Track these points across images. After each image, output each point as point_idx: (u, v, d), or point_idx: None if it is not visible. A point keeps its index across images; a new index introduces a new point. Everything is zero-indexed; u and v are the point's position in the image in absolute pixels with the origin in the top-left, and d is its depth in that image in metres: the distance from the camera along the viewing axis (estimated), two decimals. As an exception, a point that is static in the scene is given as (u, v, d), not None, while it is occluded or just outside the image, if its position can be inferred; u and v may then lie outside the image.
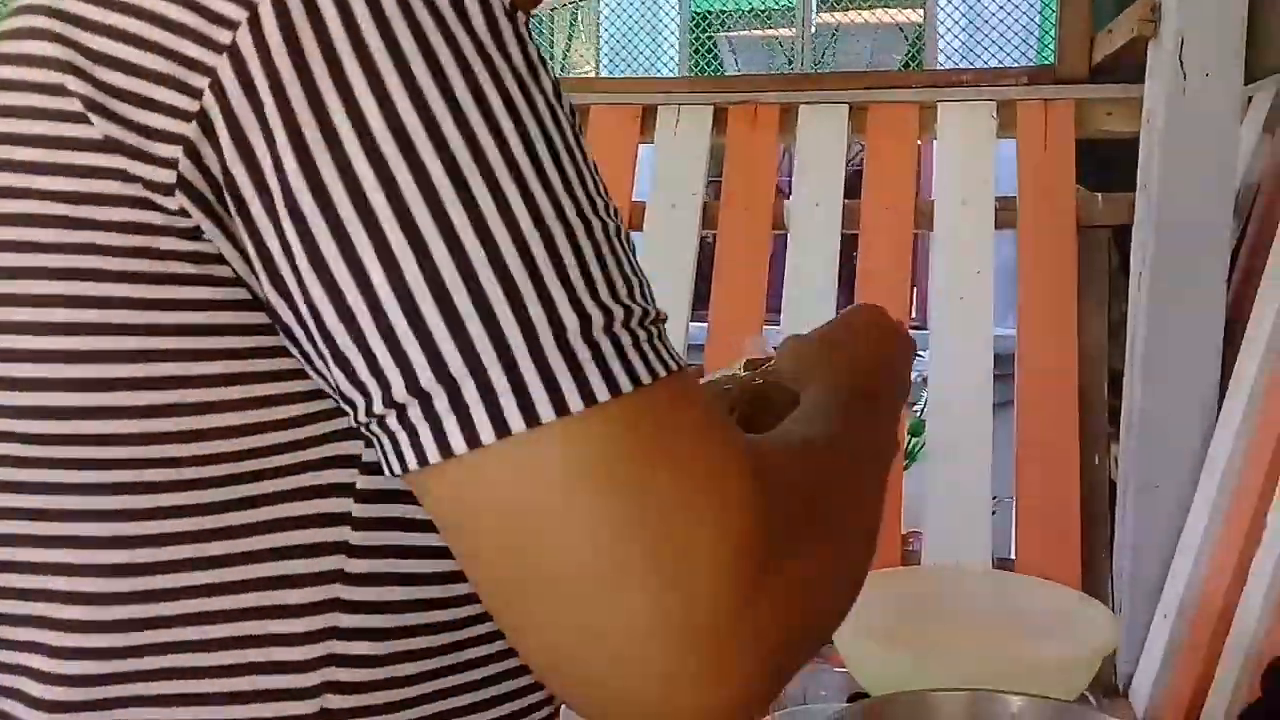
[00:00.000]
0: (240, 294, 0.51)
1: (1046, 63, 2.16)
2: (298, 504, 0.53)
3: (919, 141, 2.15)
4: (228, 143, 0.49)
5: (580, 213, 0.50)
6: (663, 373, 0.50)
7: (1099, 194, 2.07)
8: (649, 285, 0.53)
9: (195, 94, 0.49)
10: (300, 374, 0.52)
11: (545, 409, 0.47)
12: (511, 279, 0.48)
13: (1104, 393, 1.99)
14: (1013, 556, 1.94)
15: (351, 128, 0.47)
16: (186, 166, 0.49)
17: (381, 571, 0.55)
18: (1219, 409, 1.71)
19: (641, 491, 0.47)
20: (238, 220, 0.50)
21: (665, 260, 2.13)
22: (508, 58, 0.50)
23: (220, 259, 0.51)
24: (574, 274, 0.49)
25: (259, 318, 0.52)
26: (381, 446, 0.50)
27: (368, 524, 0.55)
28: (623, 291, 0.50)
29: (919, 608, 1.46)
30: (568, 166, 0.51)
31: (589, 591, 0.47)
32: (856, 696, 1.37)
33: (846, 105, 2.16)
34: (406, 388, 0.48)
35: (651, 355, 0.50)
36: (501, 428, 0.47)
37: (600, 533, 0.47)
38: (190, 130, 0.49)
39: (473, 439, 0.47)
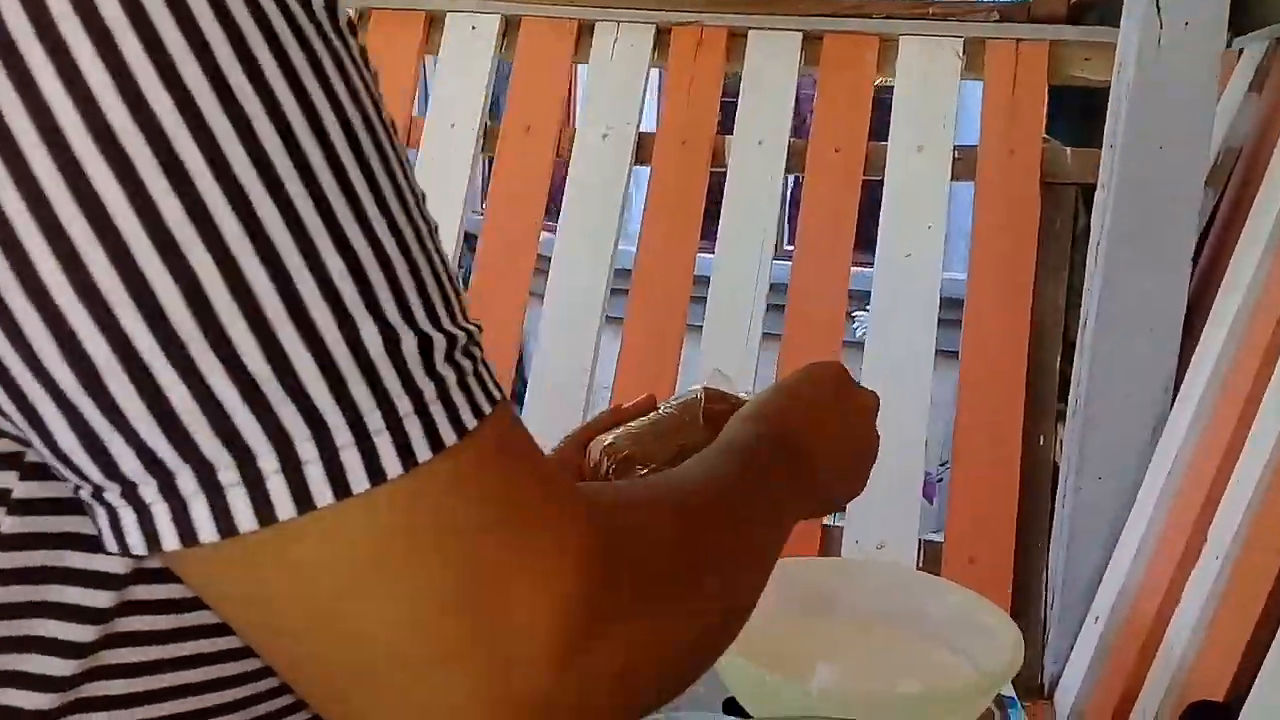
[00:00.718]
0: None
1: (1023, -1, 1.96)
2: None
3: (877, 79, 1.95)
4: None
5: (409, 216, 0.42)
6: (487, 409, 0.43)
7: (1069, 148, 1.89)
8: (464, 294, 0.45)
9: None
10: None
11: (358, 477, 0.40)
12: (344, 306, 0.40)
13: (1057, 365, 1.83)
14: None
15: (111, 81, 0.36)
16: None
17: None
18: (1174, 398, 1.55)
19: (468, 559, 0.42)
20: None
21: (593, 194, 1.96)
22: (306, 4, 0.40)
23: None
24: (411, 298, 0.41)
25: None
26: (114, 518, 0.41)
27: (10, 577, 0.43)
28: (443, 314, 0.43)
29: (815, 610, 1.31)
30: (387, 148, 0.42)
31: (412, 670, 0.42)
32: (731, 701, 1.24)
33: (800, 33, 1.96)
34: (177, 456, 0.39)
35: (478, 391, 0.43)
36: (304, 502, 0.40)
37: (423, 608, 0.42)
38: None
39: (266, 517, 0.40)
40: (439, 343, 0.42)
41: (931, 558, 1.75)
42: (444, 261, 0.44)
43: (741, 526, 0.60)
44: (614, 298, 1.95)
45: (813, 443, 0.72)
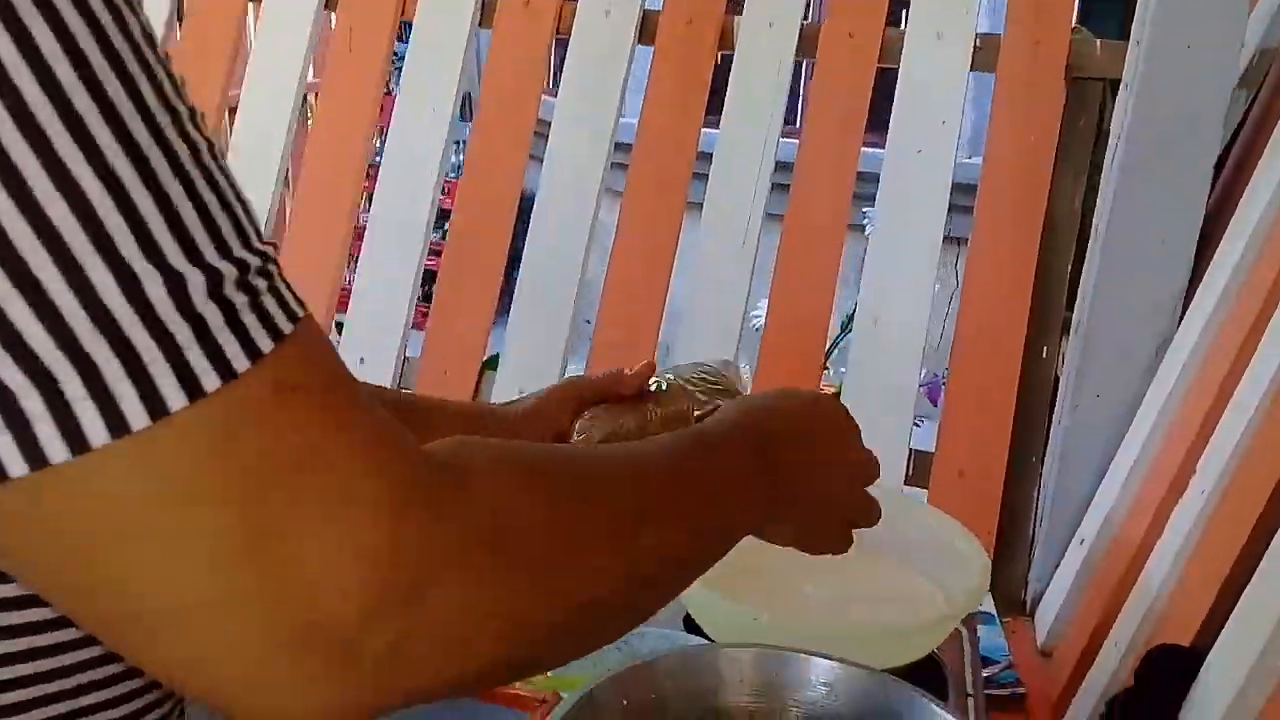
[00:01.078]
0: None
1: None
2: None
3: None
4: None
5: (160, 141, 0.38)
6: (266, 347, 0.41)
7: (1099, 40, 1.76)
8: (251, 214, 0.42)
9: None
10: None
11: (96, 431, 0.38)
12: (68, 252, 0.36)
13: (1067, 273, 1.74)
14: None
15: None
16: None
17: None
18: (1183, 317, 1.46)
19: (251, 504, 0.41)
20: None
21: (593, 73, 1.87)
22: None
23: None
24: (158, 234, 0.38)
25: None
26: None
27: None
28: (208, 247, 0.40)
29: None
30: (132, 67, 0.38)
31: (197, 617, 0.41)
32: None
33: (819, -95, 1.83)
34: None
35: (256, 328, 0.40)
36: (37, 460, 0.38)
37: (203, 554, 0.40)
38: None
39: (33, 459, 0.38)
40: (196, 281, 0.39)
41: (921, 469, 1.70)
42: (214, 187, 0.41)
43: (657, 520, 0.57)
44: (614, 171, 1.87)
45: (790, 462, 0.72)
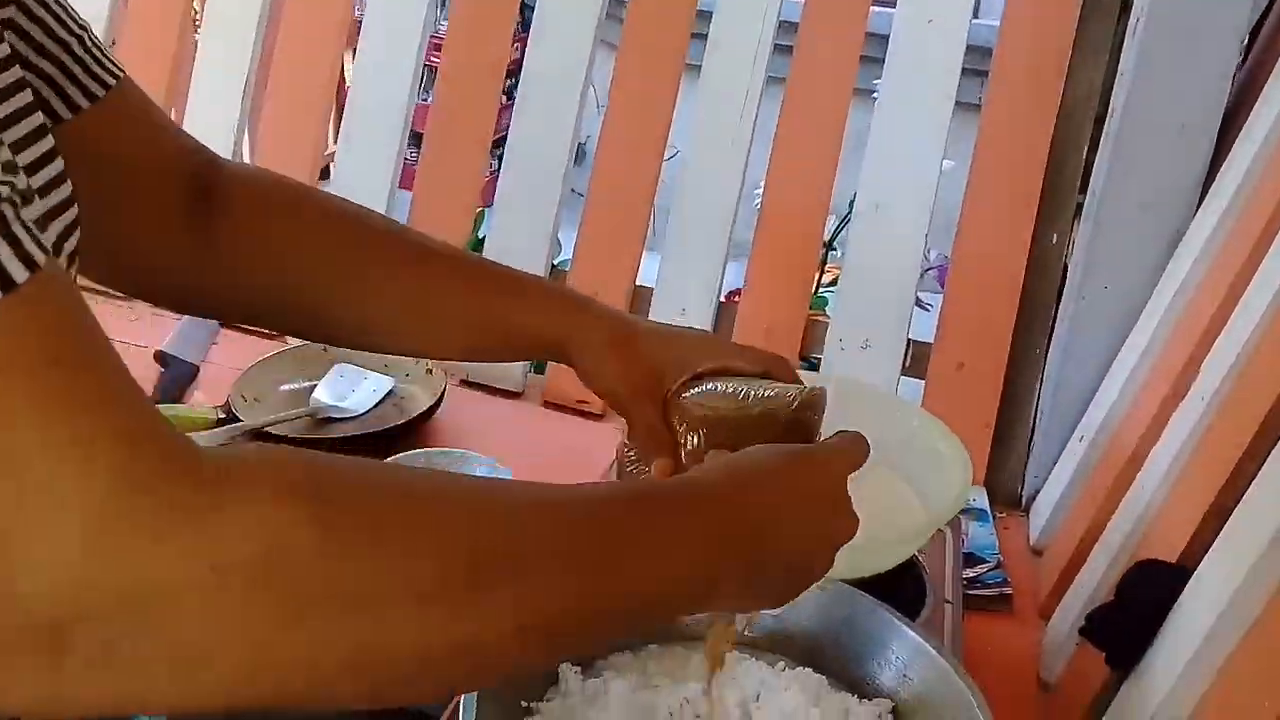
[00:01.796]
0: None
1: None
2: None
3: None
4: None
5: None
6: None
7: (1129, -99, 1.63)
8: None
9: None
10: None
11: None
12: None
13: (1083, 156, 1.65)
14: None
15: None
16: None
17: None
18: (1197, 211, 1.38)
19: None
20: None
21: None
22: None
23: None
24: None
25: None
26: None
27: None
28: None
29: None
30: None
31: None
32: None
33: None
34: None
35: None
36: None
37: None
38: None
39: None
40: None
41: (919, 359, 1.64)
42: None
43: (519, 576, 0.50)
44: (610, 23, 1.77)
45: (766, 534, 0.64)
